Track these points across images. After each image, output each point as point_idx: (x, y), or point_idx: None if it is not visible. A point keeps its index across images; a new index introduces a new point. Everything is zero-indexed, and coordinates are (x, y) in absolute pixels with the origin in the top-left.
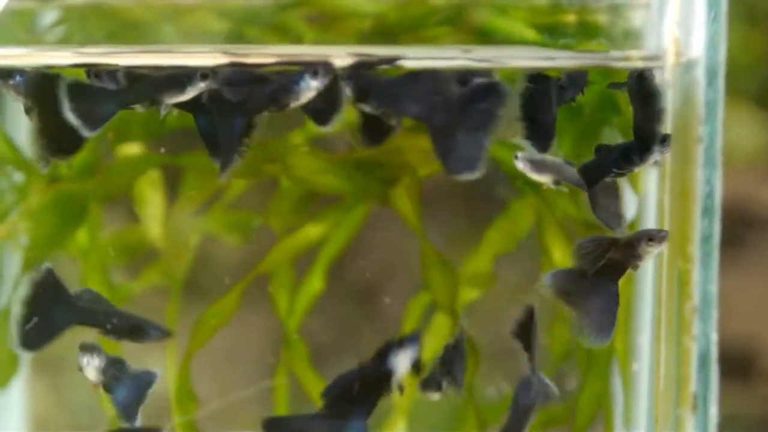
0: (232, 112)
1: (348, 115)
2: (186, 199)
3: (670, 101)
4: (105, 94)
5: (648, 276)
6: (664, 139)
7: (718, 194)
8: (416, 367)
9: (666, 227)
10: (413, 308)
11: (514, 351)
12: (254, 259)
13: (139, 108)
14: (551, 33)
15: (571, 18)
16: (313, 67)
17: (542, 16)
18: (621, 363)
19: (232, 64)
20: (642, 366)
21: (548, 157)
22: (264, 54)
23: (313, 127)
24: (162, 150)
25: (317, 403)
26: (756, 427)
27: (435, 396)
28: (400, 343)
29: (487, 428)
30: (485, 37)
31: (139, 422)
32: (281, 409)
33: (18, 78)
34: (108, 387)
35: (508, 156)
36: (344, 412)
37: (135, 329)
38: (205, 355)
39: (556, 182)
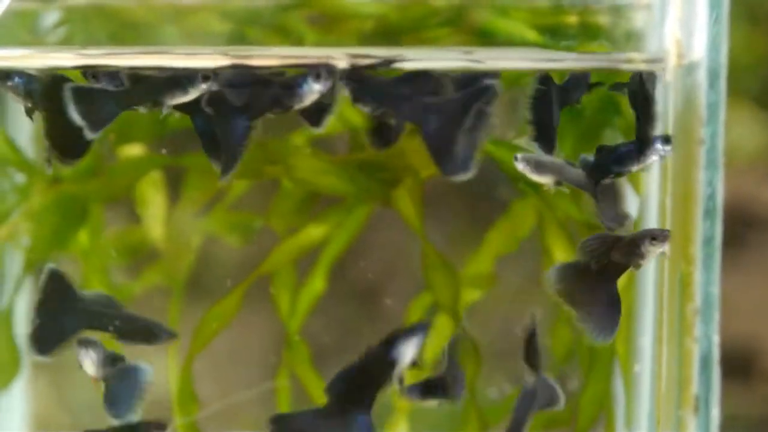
0: (234, 114)
1: (350, 116)
2: (188, 200)
3: (671, 103)
4: (107, 95)
5: (649, 277)
6: (667, 141)
7: (720, 196)
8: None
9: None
10: (415, 309)
11: (516, 352)
12: (256, 260)
13: (141, 109)
14: (552, 34)
15: (572, 19)
16: (316, 70)
17: (543, 18)
18: (623, 364)
19: (234, 66)
20: (644, 367)
21: (549, 157)
22: (266, 56)
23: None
24: (164, 151)
25: (319, 404)
26: (756, 427)
27: (431, 402)
28: (409, 331)
29: (489, 429)
30: (486, 38)
31: (135, 418)
32: (283, 410)
33: (17, 79)
34: (108, 381)
35: (508, 157)
36: (348, 405)
37: (145, 332)
38: (207, 356)
39: (557, 183)
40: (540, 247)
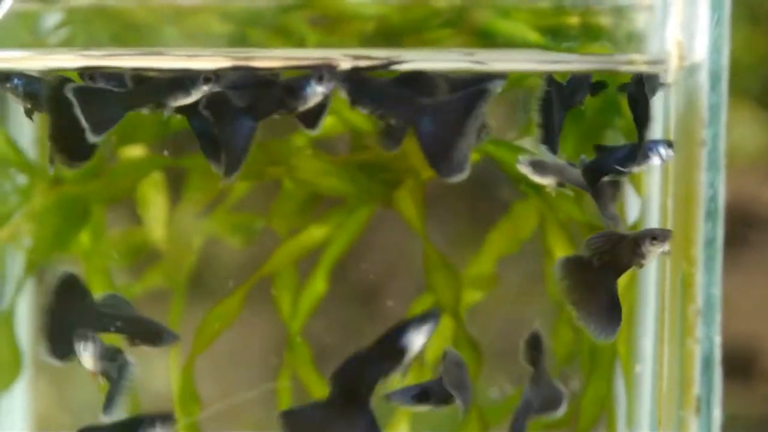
0: (238, 115)
1: (351, 117)
2: (189, 201)
3: (673, 105)
4: (111, 97)
5: (651, 278)
6: (669, 145)
7: (722, 197)
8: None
9: None
10: (416, 310)
11: (517, 352)
12: (257, 261)
13: (144, 111)
14: (554, 35)
15: (573, 20)
16: (319, 72)
17: (545, 19)
18: (624, 365)
19: (235, 68)
20: (645, 368)
21: (551, 158)
22: (267, 57)
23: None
24: (165, 152)
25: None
26: (757, 428)
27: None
28: (419, 320)
29: (490, 429)
30: (488, 39)
31: (119, 413)
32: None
33: (16, 81)
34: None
35: (510, 157)
36: (353, 393)
37: (154, 335)
38: (209, 357)
39: (560, 184)
40: (541, 248)
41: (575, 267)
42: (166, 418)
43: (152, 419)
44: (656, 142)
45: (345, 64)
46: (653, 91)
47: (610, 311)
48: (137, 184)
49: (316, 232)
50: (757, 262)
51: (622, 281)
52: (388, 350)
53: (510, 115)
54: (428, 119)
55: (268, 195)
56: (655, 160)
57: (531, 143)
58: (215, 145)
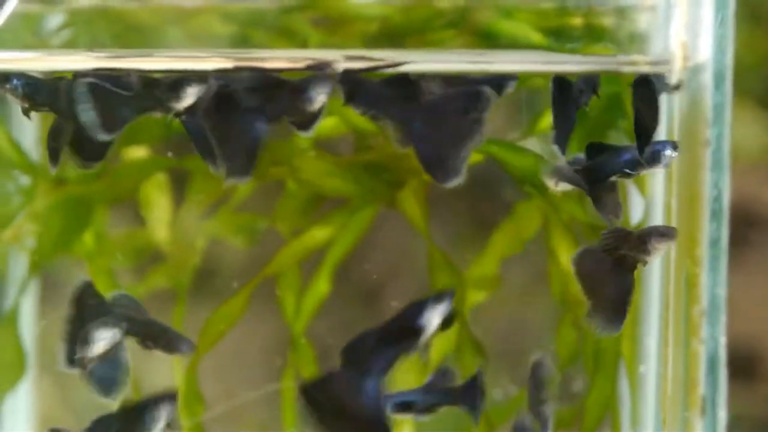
0: (250, 117)
1: (354, 118)
2: (192, 202)
3: (677, 105)
4: (121, 99)
5: (655, 279)
6: (674, 147)
7: (726, 197)
8: (447, 322)
9: None
10: None
11: (521, 353)
12: (261, 262)
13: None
14: (557, 36)
15: (577, 21)
16: (323, 73)
17: (548, 20)
18: (628, 365)
19: (237, 68)
20: (649, 369)
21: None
22: (270, 58)
23: (318, 130)
24: (169, 154)
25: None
26: (759, 428)
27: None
28: (436, 299)
29: (494, 430)
30: (491, 40)
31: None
32: (288, 411)
33: (15, 81)
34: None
35: (513, 158)
36: (365, 368)
37: (167, 340)
38: (213, 358)
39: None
40: (545, 248)
41: (592, 259)
42: (169, 397)
43: (155, 400)
44: (663, 144)
45: (351, 65)
46: (661, 92)
47: (616, 306)
48: (140, 185)
49: (319, 233)
50: (759, 262)
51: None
52: (403, 329)
53: (513, 116)
54: (419, 121)
55: (271, 196)
56: (662, 162)
57: (534, 143)
58: (211, 145)
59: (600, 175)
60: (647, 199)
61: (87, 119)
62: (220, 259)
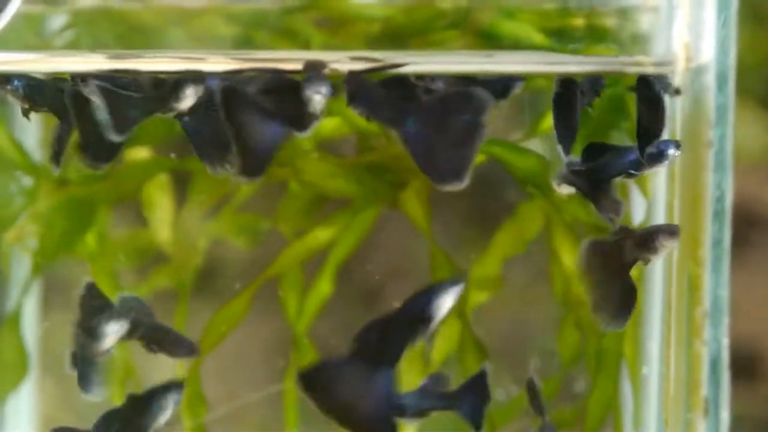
0: (265, 119)
1: (357, 119)
2: (195, 202)
3: (679, 106)
4: (131, 100)
5: (657, 280)
6: (678, 146)
7: (729, 198)
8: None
9: None
10: None
11: (523, 353)
12: (263, 263)
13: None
14: (559, 37)
15: (579, 22)
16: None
17: (550, 20)
18: (630, 367)
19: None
20: (651, 370)
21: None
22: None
23: (321, 131)
24: (172, 155)
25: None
26: (760, 428)
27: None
28: (447, 285)
29: (497, 430)
30: (493, 41)
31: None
32: (290, 412)
33: (16, 82)
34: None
35: (515, 159)
36: (376, 356)
37: (172, 344)
38: (215, 359)
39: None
40: (547, 249)
41: (595, 253)
42: (176, 386)
43: (163, 389)
44: (666, 143)
45: (354, 66)
46: (665, 93)
47: (622, 301)
48: (143, 186)
49: (322, 234)
50: (760, 262)
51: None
52: (415, 315)
53: (516, 117)
54: (413, 123)
55: (274, 196)
56: (665, 162)
57: (536, 144)
58: (208, 146)
59: (604, 176)
60: (649, 200)
61: (102, 120)
62: (222, 259)
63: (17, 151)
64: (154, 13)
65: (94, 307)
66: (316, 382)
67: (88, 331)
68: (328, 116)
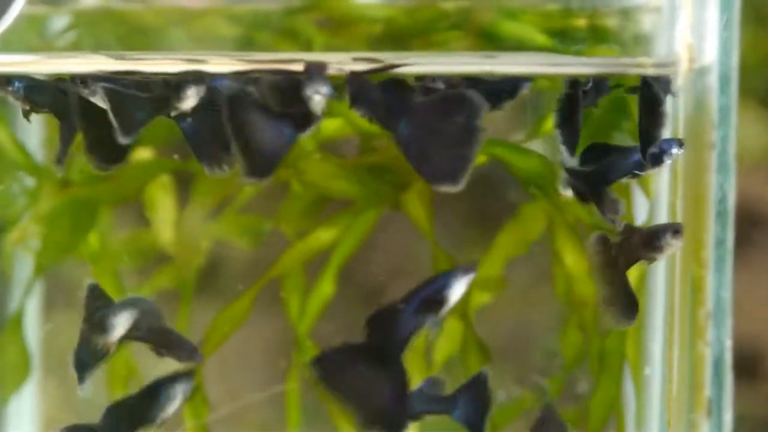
0: (272, 120)
1: (359, 120)
2: (197, 203)
3: (682, 107)
4: (139, 101)
5: (660, 281)
6: (681, 144)
7: (732, 199)
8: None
9: None
10: None
11: (525, 354)
12: (265, 264)
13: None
14: (562, 38)
15: (581, 22)
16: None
17: (552, 21)
18: (633, 367)
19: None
20: (654, 370)
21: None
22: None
23: (323, 132)
24: (176, 156)
25: (330, 407)
26: (762, 428)
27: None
28: (461, 271)
29: (498, 430)
30: (495, 41)
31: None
32: (293, 412)
33: (17, 84)
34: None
35: (517, 160)
36: (387, 341)
37: (178, 348)
38: (217, 359)
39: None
40: (550, 249)
41: (604, 249)
42: (185, 376)
43: (171, 379)
44: (668, 142)
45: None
46: (666, 94)
47: (629, 299)
48: (145, 187)
49: (324, 235)
50: (762, 261)
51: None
52: (425, 301)
53: (518, 117)
54: (405, 125)
55: (276, 197)
56: (668, 161)
57: (538, 145)
58: (206, 146)
59: (610, 177)
60: (652, 201)
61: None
62: (224, 260)
63: (20, 152)
64: (156, 14)
65: (100, 305)
66: (328, 368)
67: (97, 323)
68: (330, 117)
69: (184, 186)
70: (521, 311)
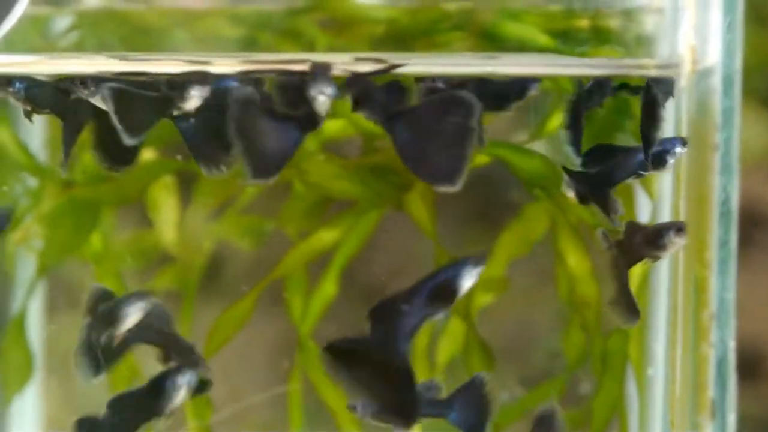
0: (282, 122)
1: (362, 120)
2: (200, 204)
3: (685, 108)
4: (146, 101)
5: (663, 282)
6: (684, 143)
7: (735, 201)
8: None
9: None
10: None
11: (528, 355)
12: (268, 264)
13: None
14: (564, 38)
15: (583, 23)
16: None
17: (555, 22)
18: (636, 368)
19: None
20: (657, 371)
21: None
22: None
23: (326, 132)
24: (179, 157)
25: (332, 408)
26: (763, 428)
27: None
28: (474, 260)
29: (501, 431)
30: (498, 42)
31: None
32: (295, 413)
33: (18, 85)
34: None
35: (520, 160)
36: (396, 328)
37: (185, 355)
38: (220, 360)
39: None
40: (552, 250)
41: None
42: (192, 364)
43: (177, 368)
44: (672, 141)
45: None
46: (668, 95)
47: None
48: (148, 187)
49: (326, 235)
50: (764, 262)
51: (633, 285)
52: (435, 291)
53: (521, 118)
54: (401, 126)
55: (278, 198)
56: (671, 161)
57: (541, 146)
58: (204, 147)
59: (616, 178)
60: (655, 202)
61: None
62: (227, 261)
63: (22, 153)
64: (159, 15)
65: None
66: (340, 355)
67: (107, 314)
68: (333, 117)
69: (186, 187)
70: (524, 312)
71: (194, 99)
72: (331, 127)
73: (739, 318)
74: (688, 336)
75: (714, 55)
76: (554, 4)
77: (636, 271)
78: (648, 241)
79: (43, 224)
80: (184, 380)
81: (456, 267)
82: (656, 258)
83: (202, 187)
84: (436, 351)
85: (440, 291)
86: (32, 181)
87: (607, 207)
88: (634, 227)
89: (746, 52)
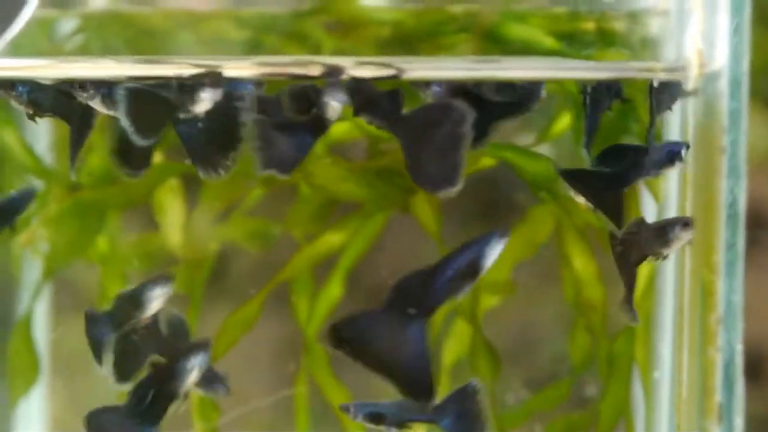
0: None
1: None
2: (206, 206)
3: (691, 111)
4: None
5: (669, 284)
6: (687, 146)
7: (742, 204)
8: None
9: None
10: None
11: (534, 357)
12: (274, 267)
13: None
14: (570, 41)
15: (589, 26)
16: (336, 80)
17: (560, 24)
18: (642, 371)
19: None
20: (663, 374)
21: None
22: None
23: (331, 135)
24: (187, 161)
25: (338, 411)
26: (765, 429)
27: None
28: (494, 237)
29: None
30: (503, 45)
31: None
32: (301, 416)
33: (21, 88)
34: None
35: (526, 163)
36: (412, 307)
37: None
38: (226, 363)
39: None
40: (558, 252)
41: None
42: (201, 347)
43: (186, 352)
44: (677, 145)
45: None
46: (675, 98)
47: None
48: (154, 190)
49: (332, 238)
50: (766, 262)
51: (639, 286)
52: (461, 267)
53: (527, 121)
54: (401, 131)
55: (284, 201)
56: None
57: (547, 149)
58: (203, 150)
59: (625, 180)
60: (660, 204)
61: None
62: (233, 263)
63: (28, 155)
64: (164, 17)
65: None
66: (349, 334)
67: (130, 299)
68: (339, 120)
69: (193, 189)
70: (529, 314)
71: (205, 102)
72: (337, 129)
73: (744, 318)
74: (694, 339)
75: (721, 58)
76: (559, 7)
77: (642, 274)
78: (653, 236)
79: (49, 227)
80: (196, 362)
81: (481, 242)
82: (662, 255)
83: (208, 189)
84: (442, 353)
85: (466, 267)
86: (38, 184)
87: (612, 209)
88: (638, 224)
89: (751, 53)
